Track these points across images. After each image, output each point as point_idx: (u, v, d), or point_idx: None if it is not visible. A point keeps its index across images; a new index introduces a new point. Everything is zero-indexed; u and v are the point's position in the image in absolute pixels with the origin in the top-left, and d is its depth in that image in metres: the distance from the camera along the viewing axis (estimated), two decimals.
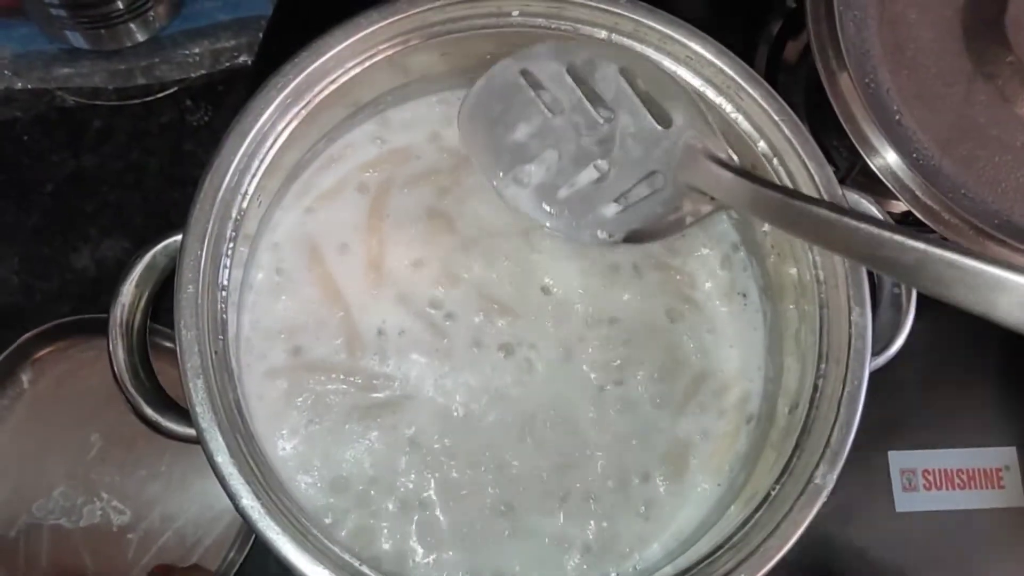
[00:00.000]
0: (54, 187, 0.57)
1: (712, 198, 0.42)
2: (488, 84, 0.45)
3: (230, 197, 0.40)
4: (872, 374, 0.42)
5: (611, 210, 0.45)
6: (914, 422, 0.58)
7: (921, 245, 0.33)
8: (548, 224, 0.46)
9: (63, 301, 0.55)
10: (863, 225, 0.35)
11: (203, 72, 0.58)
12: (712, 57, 0.44)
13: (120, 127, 0.58)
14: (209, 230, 0.39)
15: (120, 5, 0.55)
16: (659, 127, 0.43)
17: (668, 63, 0.45)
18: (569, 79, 0.44)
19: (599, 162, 0.45)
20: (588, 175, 0.45)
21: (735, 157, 0.42)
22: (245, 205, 0.41)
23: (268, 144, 0.41)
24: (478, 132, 0.46)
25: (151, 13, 0.56)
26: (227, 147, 0.40)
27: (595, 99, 0.44)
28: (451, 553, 0.45)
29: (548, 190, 0.46)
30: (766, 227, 0.48)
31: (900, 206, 0.49)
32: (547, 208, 0.46)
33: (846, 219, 0.36)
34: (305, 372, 0.45)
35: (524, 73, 0.44)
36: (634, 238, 0.45)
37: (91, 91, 0.58)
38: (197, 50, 0.58)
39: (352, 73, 0.43)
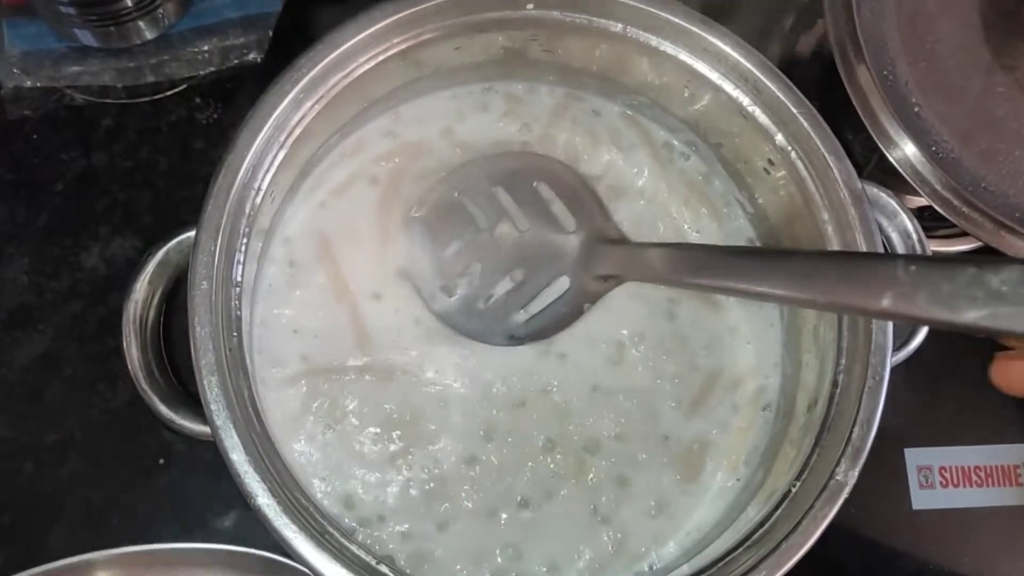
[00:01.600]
0: (63, 186, 0.57)
1: (605, 279, 0.46)
2: (433, 206, 0.48)
3: (243, 193, 0.40)
4: (890, 371, 0.42)
5: (521, 317, 0.47)
6: (931, 419, 0.57)
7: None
8: (464, 332, 0.47)
9: (73, 300, 0.55)
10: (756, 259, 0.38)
11: (212, 70, 0.58)
12: (729, 50, 0.44)
13: (129, 125, 0.58)
14: (222, 226, 0.39)
15: (129, 3, 0.54)
16: (566, 231, 0.48)
17: (684, 56, 0.45)
18: (499, 196, 0.48)
19: (515, 272, 0.48)
20: (505, 286, 0.47)
21: (626, 236, 0.48)
22: (259, 200, 0.40)
23: (282, 139, 0.41)
24: (417, 252, 0.48)
25: (160, 11, 0.56)
26: (240, 142, 0.40)
27: (516, 212, 0.48)
28: (468, 554, 0.44)
29: (470, 302, 0.47)
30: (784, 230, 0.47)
31: (919, 200, 0.48)
32: (466, 319, 0.47)
33: (733, 257, 0.39)
34: (321, 371, 0.45)
35: (461, 193, 0.48)
36: (537, 336, 0.47)
37: (100, 89, 0.57)
38: (206, 48, 0.58)
39: (365, 67, 0.43)
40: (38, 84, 0.57)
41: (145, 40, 0.57)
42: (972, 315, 0.29)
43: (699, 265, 0.41)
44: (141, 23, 0.56)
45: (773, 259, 0.39)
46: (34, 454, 0.52)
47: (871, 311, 0.33)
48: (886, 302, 0.31)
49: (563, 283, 0.47)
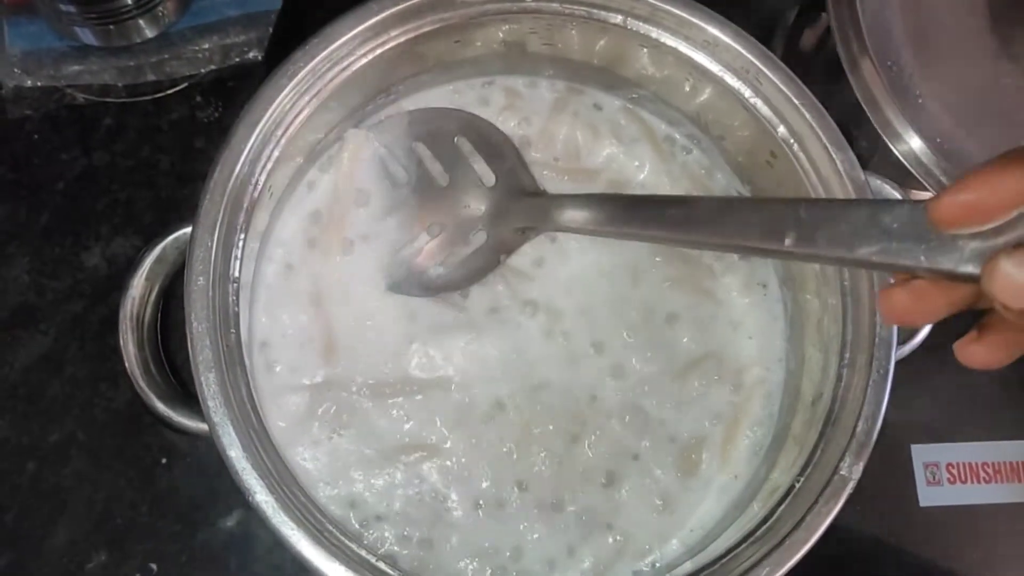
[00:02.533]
0: (65, 185, 0.56)
1: (523, 231, 0.47)
2: (351, 157, 0.48)
3: (240, 187, 0.40)
4: (896, 364, 0.41)
5: (437, 271, 0.47)
6: (937, 415, 0.57)
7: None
8: (384, 283, 0.47)
9: (74, 300, 0.55)
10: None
11: (213, 68, 0.58)
12: (730, 41, 0.43)
13: (130, 124, 0.58)
14: (219, 221, 0.39)
15: (129, 1, 0.54)
16: (485, 185, 0.48)
17: (685, 48, 0.44)
18: (419, 151, 0.48)
19: (433, 226, 0.47)
20: (423, 240, 0.47)
21: (545, 188, 0.48)
22: (256, 195, 0.40)
23: (279, 133, 0.41)
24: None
25: (160, 9, 0.56)
26: (237, 136, 0.40)
27: (435, 168, 0.48)
28: (469, 554, 0.44)
29: (387, 253, 0.47)
30: None
31: (925, 194, 0.48)
32: (385, 269, 0.47)
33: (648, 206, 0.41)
34: (328, 379, 0.45)
35: (380, 148, 0.48)
36: (450, 287, 0.47)
37: (101, 88, 0.57)
38: (207, 46, 0.58)
39: (364, 60, 0.43)
40: (39, 83, 0.57)
41: (145, 38, 0.57)
42: (864, 251, 0.30)
43: (612, 215, 0.42)
44: (141, 21, 0.56)
45: (682, 206, 0.40)
46: (36, 454, 0.52)
47: (774, 251, 0.34)
48: (788, 242, 0.33)
49: (480, 237, 0.48)
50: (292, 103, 0.41)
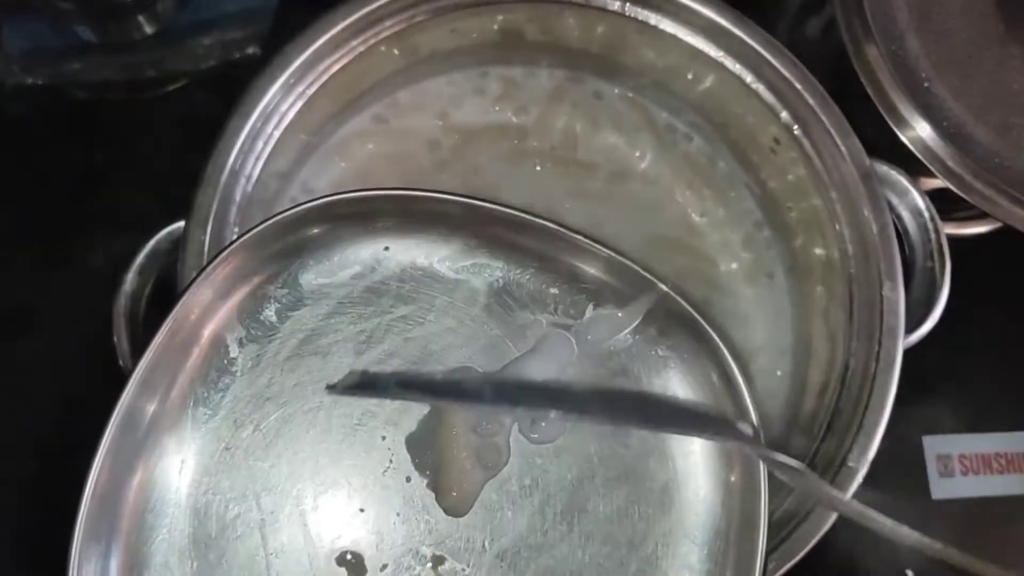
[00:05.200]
0: (66, 183, 0.56)
1: None
2: None
3: (233, 180, 0.39)
4: (904, 354, 0.41)
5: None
6: (949, 405, 0.56)
7: None
8: None
9: (76, 299, 0.55)
10: None
11: (212, 64, 0.58)
12: (730, 26, 0.43)
13: (131, 121, 0.57)
14: (212, 215, 0.39)
15: None
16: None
17: (685, 34, 0.44)
18: None
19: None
20: None
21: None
22: (250, 189, 0.40)
23: (272, 125, 0.41)
24: None
25: (159, 5, 0.56)
26: (229, 130, 0.39)
27: None
28: None
29: None
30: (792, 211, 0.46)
31: (932, 182, 0.47)
32: None
33: None
34: None
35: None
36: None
37: (101, 85, 0.57)
38: (206, 42, 0.57)
39: (358, 51, 0.42)
40: (39, 81, 0.57)
41: (145, 35, 0.57)
42: None
43: None
44: (140, 18, 0.56)
45: None
46: (38, 456, 0.52)
47: None
48: None
49: None
50: (285, 94, 0.41)
